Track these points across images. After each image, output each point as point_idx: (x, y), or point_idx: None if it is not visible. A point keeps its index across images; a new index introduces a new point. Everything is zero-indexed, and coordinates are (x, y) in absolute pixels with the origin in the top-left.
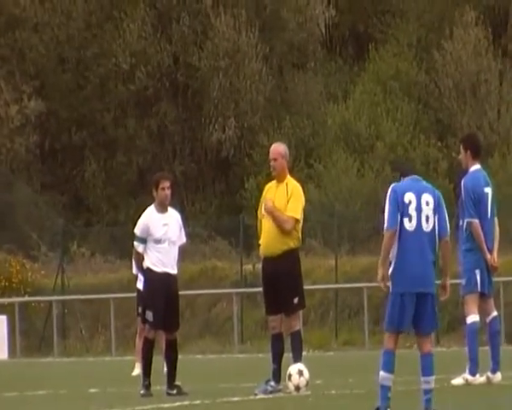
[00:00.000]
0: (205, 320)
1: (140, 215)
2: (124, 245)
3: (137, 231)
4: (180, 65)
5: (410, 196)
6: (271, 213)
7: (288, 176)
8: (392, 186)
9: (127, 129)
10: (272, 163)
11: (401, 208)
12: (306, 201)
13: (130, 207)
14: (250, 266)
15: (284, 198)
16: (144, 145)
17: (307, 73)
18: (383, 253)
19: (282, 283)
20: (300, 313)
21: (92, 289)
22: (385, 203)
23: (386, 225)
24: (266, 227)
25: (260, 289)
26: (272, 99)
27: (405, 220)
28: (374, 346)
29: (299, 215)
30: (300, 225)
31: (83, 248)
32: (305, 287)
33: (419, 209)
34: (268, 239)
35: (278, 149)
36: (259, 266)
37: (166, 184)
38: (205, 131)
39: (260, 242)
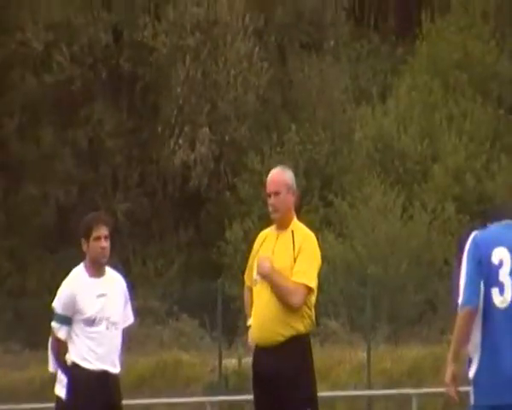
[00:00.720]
0: None
1: (61, 280)
2: (35, 327)
3: (57, 305)
4: (124, 44)
5: (500, 254)
6: (269, 280)
7: (295, 219)
8: (473, 236)
9: (40, 144)
10: (272, 200)
11: (487, 273)
12: (323, 259)
13: (44, 266)
14: (234, 361)
15: (289, 254)
16: (68, 170)
17: (324, 57)
18: (456, 341)
19: (284, 388)
20: None
21: None
22: (460, 262)
23: (460, 299)
24: (261, 301)
25: (250, 396)
26: (269, 99)
27: (494, 292)
28: None
29: (313, 282)
30: (314, 297)
31: None
32: (321, 394)
33: None
34: (263, 320)
35: (282, 177)
36: (249, 360)
37: (103, 231)
38: (163, 148)
39: (250, 323)
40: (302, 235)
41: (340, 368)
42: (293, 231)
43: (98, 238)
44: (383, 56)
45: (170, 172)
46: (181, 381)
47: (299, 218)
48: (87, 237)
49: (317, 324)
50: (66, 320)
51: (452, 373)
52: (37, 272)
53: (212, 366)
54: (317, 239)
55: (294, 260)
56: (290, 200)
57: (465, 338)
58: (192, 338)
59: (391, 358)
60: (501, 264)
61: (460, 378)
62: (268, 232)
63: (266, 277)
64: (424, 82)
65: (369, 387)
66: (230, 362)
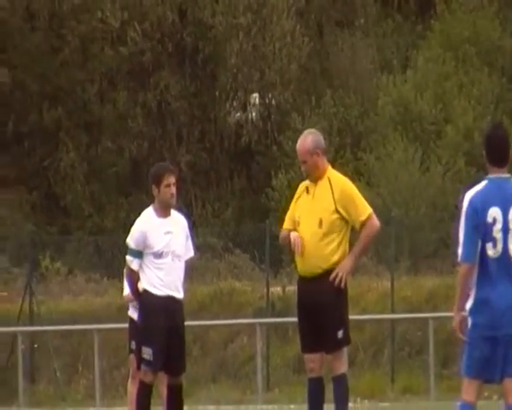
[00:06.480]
0: (219, 360)
1: (134, 220)
2: (112, 260)
3: (131, 241)
4: (187, 22)
5: (494, 213)
6: (355, 262)
7: (330, 168)
8: (469, 198)
9: (116, 106)
10: (302, 168)
11: (483, 231)
12: None
13: (120, 209)
14: (279, 289)
15: (329, 197)
16: (139, 127)
17: (355, 33)
18: (459, 295)
19: (322, 311)
20: (346, 351)
21: (70, 317)
22: (459, 217)
23: (460, 254)
24: (303, 239)
25: (293, 318)
26: (309, 68)
27: (488, 246)
28: (442, 395)
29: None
30: (349, 232)
31: (58, 263)
32: (352, 317)
33: (506, 229)
34: (306, 255)
35: (304, 146)
36: (292, 288)
37: (172, 179)
38: (220, 110)
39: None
40: (338, 180)
41: (367, 295)
42: (329, 178)
43: (168, 185)
44: (405, 33)
45: (225, 130)
46: (234, 306)
47: (333, 166)
48: (158, 184)
49: None
50: (138, 254)
51: (459, 320)
52: (114, 213)
53: (260, 293)
54: None
55: (335, 202)
56: (316, 161)
57: (465, 288)
58: (244, 270)
59: (411, 287)
60: (494, 222)
61: (466, 324)
62: (307, 183)
63: (349, 268)
64: (438, 55)
65: (393, 311)
66: (276, 290)
